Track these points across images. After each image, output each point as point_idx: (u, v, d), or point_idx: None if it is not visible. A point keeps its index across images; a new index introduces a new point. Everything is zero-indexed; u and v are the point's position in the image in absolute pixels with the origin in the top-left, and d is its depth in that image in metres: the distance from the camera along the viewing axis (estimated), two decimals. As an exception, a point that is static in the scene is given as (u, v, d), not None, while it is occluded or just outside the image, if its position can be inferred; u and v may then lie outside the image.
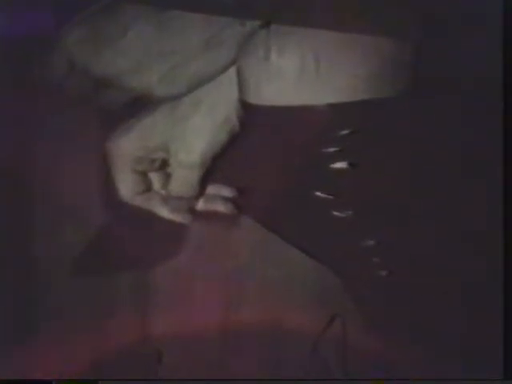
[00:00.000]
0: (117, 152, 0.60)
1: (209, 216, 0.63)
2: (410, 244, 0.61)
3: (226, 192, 0.63)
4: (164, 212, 0.62)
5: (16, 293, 0.62)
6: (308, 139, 0.60)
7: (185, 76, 0.59)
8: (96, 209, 0.62)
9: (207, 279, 0.62)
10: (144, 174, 0.62)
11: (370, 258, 0.61)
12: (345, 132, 0.60)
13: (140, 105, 0.60)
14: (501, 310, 0.60)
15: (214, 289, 0.62)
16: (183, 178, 0.62)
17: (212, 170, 0.62)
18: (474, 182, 0.60)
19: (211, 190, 0.63)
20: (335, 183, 0.61)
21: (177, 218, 0.62)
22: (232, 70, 0.59)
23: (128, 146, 0.60)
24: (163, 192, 0.62)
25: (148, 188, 0.62)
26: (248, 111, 0.60)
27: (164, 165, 0.62)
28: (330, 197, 0.61)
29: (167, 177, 0.62)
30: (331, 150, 0.60)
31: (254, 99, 0.59)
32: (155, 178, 0.62)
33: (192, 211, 0.63)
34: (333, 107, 0.58)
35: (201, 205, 0.63)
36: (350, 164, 0.60)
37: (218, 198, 0.63)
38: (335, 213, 0.61)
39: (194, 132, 0.60)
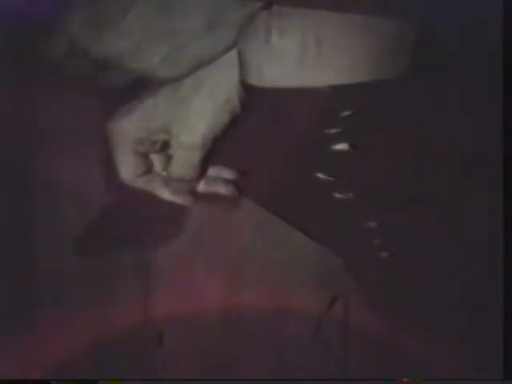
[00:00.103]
0: (118, 133, 0.60)
1: (210, 198, 0.63)
2: (410, 226, 0.61)
3: (227, 174, 0.63)
4: (165, 194, 0.62)
5: (17, 275, 0.62)
6: (309, 120, 0.60)
7: (186, 57, 0.59)
8: (97, 190, 0.62)
9: (208, 261, 0.62)
10: (145, 156, 0.62)
11: (370, 240, 0.62)
12: (346, 113, 0.60)
13: (141, 86, 0.60)
14: (501, 310, 0.60)
15: (215, 271, 0.62)
16: (184, 160, 0.62)
17: (213, 151, 0.61)
18: (475, 164, 0.61)
19: (212, 171, 0.63)
20: (336, 165, 0.61)
21: (178, 199, 0.62)
22: (233, 52, 0.59)
23: (129, 128, 0.60)
24: (164, 174, 0.62)
25: (149, 170, 0.62)
26: (249, 93, 0.60)
27: (165, 146, 0.62)
28: (331, 178, 0.61)
29: (168, 158, 0.62)
30: (332, 131, 0.60)
31: (255, 81, 0.59)
32: (156, 160, 0.62)
33: (193, 193, 0.63)
34: (334, 88, 0.58)
35: (202, 187, 0.63)
36: (351, 146, 0.61)
37: (219, 179, 0.63)
38: (336, 195, 0.61)
39: (196, 113, 0.60)
